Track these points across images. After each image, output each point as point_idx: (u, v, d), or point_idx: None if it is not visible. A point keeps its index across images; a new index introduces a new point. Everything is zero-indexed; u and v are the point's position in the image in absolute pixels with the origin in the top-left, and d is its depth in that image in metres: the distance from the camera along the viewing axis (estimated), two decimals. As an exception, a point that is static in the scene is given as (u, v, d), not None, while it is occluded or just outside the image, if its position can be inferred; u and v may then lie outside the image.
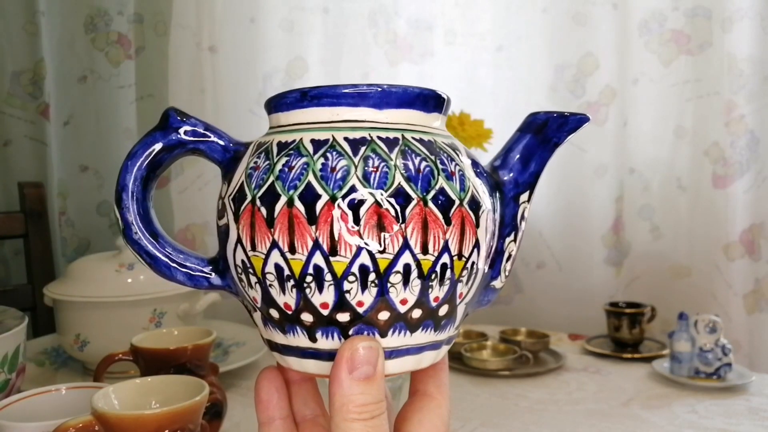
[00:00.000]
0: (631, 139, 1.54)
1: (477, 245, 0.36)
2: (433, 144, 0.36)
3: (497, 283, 0.40)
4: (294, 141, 0.35)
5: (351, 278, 0.33)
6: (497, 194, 0.39)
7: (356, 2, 1.59)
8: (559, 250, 1.59)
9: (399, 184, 0.33)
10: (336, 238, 0.32)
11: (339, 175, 0.33)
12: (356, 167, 0.33)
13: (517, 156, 0.41)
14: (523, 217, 0.40)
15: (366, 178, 0.33)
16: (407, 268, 0.33)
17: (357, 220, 0.32)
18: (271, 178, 0.34)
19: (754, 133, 1.42)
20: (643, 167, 1.54)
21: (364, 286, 0.33)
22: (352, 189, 0.32)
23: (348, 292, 0.33)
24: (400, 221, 0.33)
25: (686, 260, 1.50)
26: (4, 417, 0.67)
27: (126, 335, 0.84)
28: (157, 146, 0.37)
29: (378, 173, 0.33)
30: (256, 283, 0.35)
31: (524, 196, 0.40)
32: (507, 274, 0.40)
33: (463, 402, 1.01)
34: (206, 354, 0.82)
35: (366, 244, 0.32)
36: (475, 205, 0.36)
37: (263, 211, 0.34)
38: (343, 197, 0.32)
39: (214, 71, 1.57)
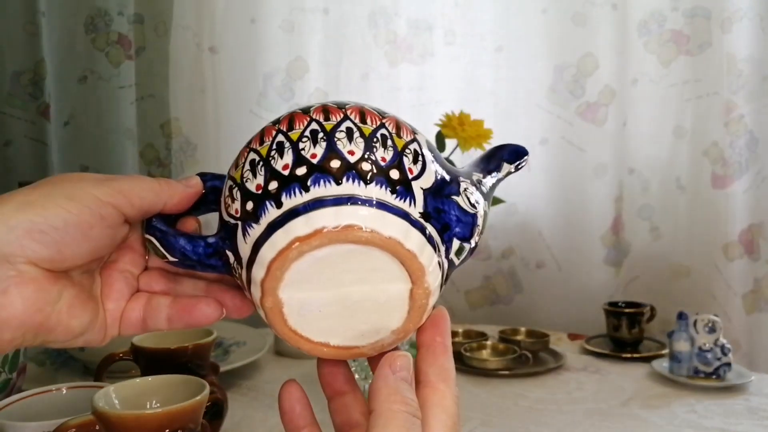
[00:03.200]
0: (630, 139, 1.54)
1: (415, 140, 0.41)
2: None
3: (468, 244, 0.42)
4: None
5: (304, 140, 0.39)
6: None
7: (356, 3, 1.59)
8: (558, 249, 1.59)
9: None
10: (291, 121, 0.40)
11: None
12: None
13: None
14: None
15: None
16: (350, 129, 0.39)
17: (308, 110, 0.41)
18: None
19: (754, 133, 1.42)
20: (643, 167, 1.54)
21: (314, 143, 0.39)
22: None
23: (303, 149, 0.39)
24: (341, 108, 0.41)
25: (685, 260, 1.50)
26: (5, 416, 0.67)
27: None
28: None
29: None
30: (236, 190, 0.40)
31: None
32: (478, 236, 0.43)
33: (463, 401, 0.99)
34: (207, 353, 0.82)
35: (315, 119, 0.40)
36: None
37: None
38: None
39: (214, 72, 1.57)
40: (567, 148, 1.55)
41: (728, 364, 1.07)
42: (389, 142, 0.40)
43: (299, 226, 0.37)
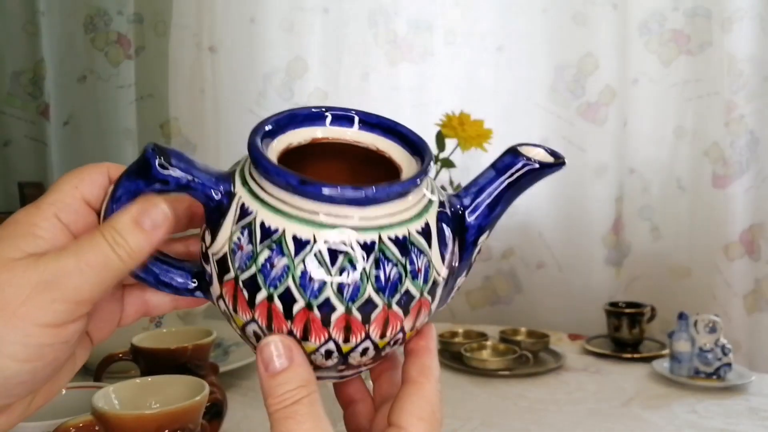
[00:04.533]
0: (631, 139, 1.54)
1: (429, 314, 0.40)
2: (407, 240, 0.37)
3: (441, 308, 0.43)
4: (277, 231, 0.36)
5: (317, 354, 0.38)
6: (459, 240, 0.41)
7: (356, 2, 1.59)
8: (559, 250, 1.59)
9: (369, 296, 0.36)
10: (308, 332, 0.37)
11: (316, 286, 0.35)
12: (332, 279, 0.35)
13: (487, 201, 0.42)
14: (479, 252, 0.43)
15: (340, 291, 0.36)
16: (365, 349, 0.38)
17: (327, 323, 0.36)
18: (254, 269, 0.36)
19: (754, 133, 1.42)
20: (643, 167, 1.54)
21: (327, 357, 0.38)
22: (326, 301, 0.36)
23: (314, 360, 0.38)
24: (365, 323, 0.37)
25: (686, 260, 1.50)
26: (4, 417, 0.67)
27: (126, 335, 0.83)
28: (139, 193, 0.38)
29: (351, 287, 0.36)
30: (236, 328, 0.39)
31: (483, 236, 0.42)
32: (452, 298, 0.43)
33: (463, 402, 1.01)
34: (206, 354, 0.82)
35: (333, 338, 0.37)
36: (434, 288, 0.39)
37: (245, 293, 0.37)
38: (318, 306, 0.36)
39: (213, 71, 1.57)
40: (567, 148, 1.55)
41: (729, 365, 1.07)
42: (400, 341, 0.40)
43: None
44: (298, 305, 0.36)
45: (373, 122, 0.41)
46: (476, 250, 0.42)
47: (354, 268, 0.36)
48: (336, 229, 0.36)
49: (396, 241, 0.37)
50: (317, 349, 0.37)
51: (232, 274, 0.37)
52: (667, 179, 1.52)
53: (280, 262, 0.35)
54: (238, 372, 1.07)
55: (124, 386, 0.66)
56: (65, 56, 1.65)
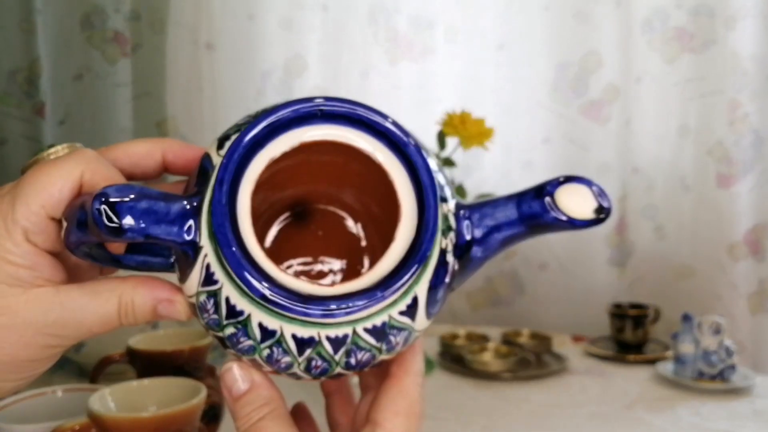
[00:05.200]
0: (634, 138, 1.53)
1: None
2: (386, 326, 0.35)
3: None
4: (242, 314, 0.34)
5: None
6: (459, 265, 0.38)
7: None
8: (561, 250, 1.58)
9: (338, 372, 0.36)
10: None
11: (282, 366, 0.35)
12: (299, 364, 0.35)
13: (500, 239, 0.38)
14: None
15: (308, 370, 0.35)
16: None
17: (300, 379, 0.37)
18: (221, 334, 0.35)
19: (759, 132, 1.42)
20: (647, 166, 1.54)
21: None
22: (293, 374, 0.36)
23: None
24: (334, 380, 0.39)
25: (690, 260, 1.50)
26: (1, 419, 0.67)
27: (122, 337, 0.83)
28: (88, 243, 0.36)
29: (319, 369, 0.35)
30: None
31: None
32: None
33: (465, 405, 1.00)
34: (203, 356, 0.82)
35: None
36: (410, 344, 0.38)
37: (216, 341, 0.37)
38: (287, 374, 0.36)
39: (211, 69, 1.57)
40: (570, 147, 1.55)
41: (733, 366, 1.06)
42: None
43: None
44: (266, 369, 0.37)
45: (381, 130, 0.36)
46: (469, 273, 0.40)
47: (323, 358, 0.34)
48: (305, 326, 0.33)
49: (372, 331, 0.34)
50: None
51: (202, 322, 0.36)
52: (670, 178, 1.52)
53: (246, 342, 0.35)
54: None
55: (120, 389, 0.66)
56: (61, 54, 1.64)
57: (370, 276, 0.34)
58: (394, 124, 0.36)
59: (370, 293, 0.33)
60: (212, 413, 0.76)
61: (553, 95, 1.56)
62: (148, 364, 0.79)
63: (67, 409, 0.69)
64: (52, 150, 0.41)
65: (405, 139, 0.36)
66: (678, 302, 1.43)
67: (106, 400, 0.63)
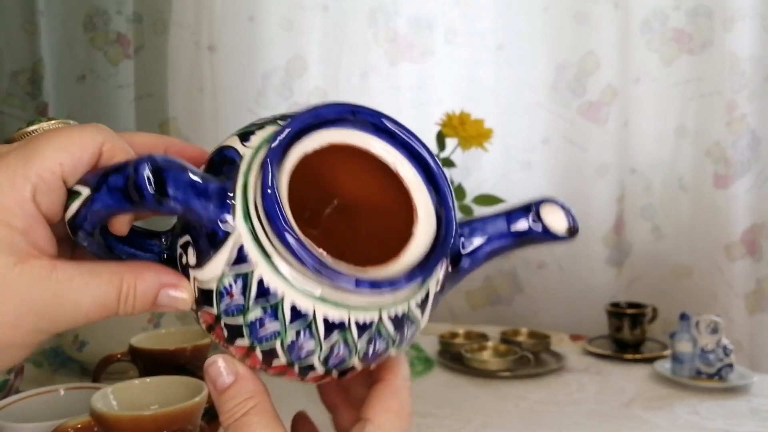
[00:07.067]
0: (632, 138, 1.54)
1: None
2: (405, 316, 0.37)
3: None
4: (276, 295, 0.34)
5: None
6: (448, 275, 0.41)
7: (356, 1, 1.59)
8: (559, 250, 1.58)
9: (352, 365, 0.37)
10: (279, 374, 0.37)
11: (303, 354, 0.35)
12: (321, 351, 0.35)
13: (488, 251, 0.41)
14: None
15: (326, 360, 0.36)
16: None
17: (303, 377, 0.37)
18: (241, 321, 0.35)
19: (756, 133, 1.42)
20: (645, 167, 1.54)
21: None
22: (309, 366, 0.36)
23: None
24: (339, 377, 0.38)
25: (687, 260, 1.50)
26: (3, 417, 0.67)
27: (125, 336, 0.83)
28: (122, 212, 0.35)
29: (338, 359, 0.36)
30: (216, 316, 0.36)
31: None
32: None
33: (464, 403, 1.00)
34: (205, 354, 0.81)
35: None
36: (413, 341, 0.39)
37: (225, 332, 0.36)
38: (300, 367, 0.36)
39: (213, 70, 1.57)
40: (568, 148, 1.55)
41: (730, 365, 1.06)
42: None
43: None
44: (279, 361, 0.36)
45: (403, 142, 0.38)
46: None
47: (346, 345, 0.35)
48: (338, 308, 0.34)
49: (394, 320, 0.36)
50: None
51: (214, 311, 0.35)
52: (668, 179, 1.52)
53: (272, 326, 0.34)
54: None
55: (122, 387, 0.66)
56: (64, 56, 1.65)
57: (394, 265, 0.36)
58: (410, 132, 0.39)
59: (397, 281, 0.35)
60: (214, 411, 0.75)
61: (552, 96, 1.56)
62: (151, 363, 0.79)
63: (69, 408, 0.69)
64: (44, 124, 0.39)
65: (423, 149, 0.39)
66: (675, 302, 1.43)
67: (109, 398, 0.63)
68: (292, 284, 0.34)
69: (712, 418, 0.95)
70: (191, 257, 0.35)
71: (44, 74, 1.61)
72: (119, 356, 0.82)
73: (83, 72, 1.65)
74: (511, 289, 1.64)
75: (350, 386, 0.44)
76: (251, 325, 0.34)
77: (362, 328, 0.35)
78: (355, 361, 0.36)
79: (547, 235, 0.40)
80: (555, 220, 0.40)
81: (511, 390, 1.06)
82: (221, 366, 0.37)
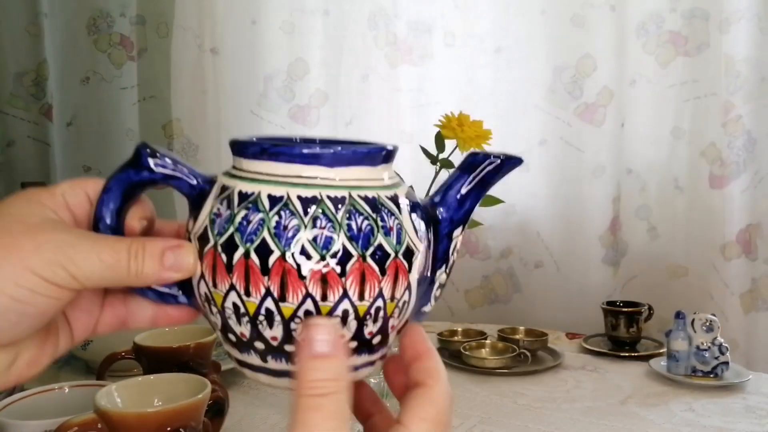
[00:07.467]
0: (628, 139, 1.54)
1: (408, 287, 0.40)
2: (377, 201, 0.39)
3: (427, 308, 0.44)
4: (253, 194, 0.38)
5: (297, 320, 0.37)
6: (433, 231, 0.43)
7: (356, 4, 1.60)
8: (556, 249, 1.59)
9: (342, 244, 0.37)
10: (285, 288, 0.37)
11: (290, 234, 0.37)
12: (306, 227, 0.37)
13: (456, 196, 0.44)
14: (455, 248, 0.44)
15: (314, 239, 0.37)
16: (345, 312, 0.38)
17: (303, 276, 0.37)
18: (231, 229, 0.38)
19: (751, 134, 1.42)
20: (641, 168, 1.55)
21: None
22: (301, 249, 0.37)
23: (294, 330, 0.38)
24: (341, 275, 0.37)
25: (683, 260, 1.51)
26: (8, 415, 0.68)
27: (128, 334, 0.83)
28: (130, 183, 0.41)
29: (324, 235, 0.37)
30: (216, 312, 0.39)
31: (458, 231, 0.44)
32: (437, 299, 0.44)
33: (462, 400, 1.01)
34: (208, 352, 0.83)
35: (310, 294, 0.37)
36: (409, 254, 0.40)
37: (223, 257, 0.38)
38: (293, 255, 0.37)
39: (215, 72, 1.58)
40: (565, 149, 1.56)
41: (726, 363, 1.07)
42: (381, 314, 0.39)
43: (278, 382, 0.40)
44: (274, 256, 0.37)
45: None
46: (453, 245, 0.44)
47: (326, 216, 0.37)
48: (308, 187, 0.38)
49: (366, 199, 0.39)
50: (296, 312, 0.37)
51: (211, 242, 0.38)
52: (664, 179, 1.53)
53: (256, 217, 0.37)
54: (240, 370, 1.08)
55: (126, 384, 0.66)
56: (68, 57, 1.66)
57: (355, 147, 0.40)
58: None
59: (358, 148, 0.40)
60: (217, 408, 0.77)
61: (549, 97, 1.56)
62: (154, 360, 0.79)
63: (74, 405, 0.70)
64: None
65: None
66: (671, 301, 1.43)
67: (113, 395, 0.64)
68: (265, 182, 0.38)
69: (708, 416, 0.96)
70: (191, 224, 0.40)
71: (48, 76, 1.61)
72: (123, 354, 0.83)
73: (87, 74, 1.66)
74: (509, 288, 1.65)
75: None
76: (240, 227, 0.37)
77: (335, 201, 0.38)
78: (345, 240, 0.37)
79: (496, 161, 0.43)
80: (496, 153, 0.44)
81: (509, 387, 1.07)
82: (326, 333, 0.36)
